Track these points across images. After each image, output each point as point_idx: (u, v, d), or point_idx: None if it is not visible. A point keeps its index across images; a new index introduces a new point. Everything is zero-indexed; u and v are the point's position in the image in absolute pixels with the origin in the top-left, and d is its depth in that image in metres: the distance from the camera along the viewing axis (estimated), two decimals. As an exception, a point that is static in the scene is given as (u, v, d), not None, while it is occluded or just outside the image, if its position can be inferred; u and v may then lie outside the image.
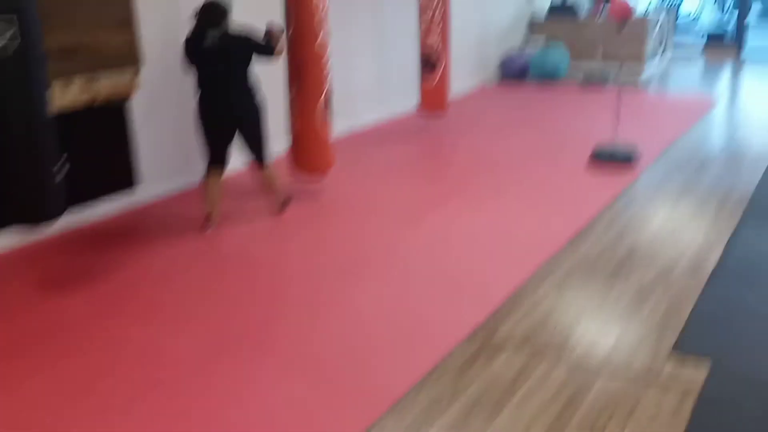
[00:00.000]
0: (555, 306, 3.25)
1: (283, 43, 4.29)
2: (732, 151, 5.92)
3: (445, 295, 3.40)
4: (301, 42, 4.49)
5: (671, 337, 2.92)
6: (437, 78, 6.50)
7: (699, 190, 4.83)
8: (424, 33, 6.39)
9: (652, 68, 9.82)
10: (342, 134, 6.41)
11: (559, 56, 9.02)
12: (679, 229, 4.15)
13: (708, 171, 5.25)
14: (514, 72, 9.13)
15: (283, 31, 4.32)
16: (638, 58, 9.53)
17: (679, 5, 14.78)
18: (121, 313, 3.30)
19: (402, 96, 7.33)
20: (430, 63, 6.43)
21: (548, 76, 8.95)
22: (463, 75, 8.46)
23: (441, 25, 6.37)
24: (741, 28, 11.12)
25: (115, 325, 3.18)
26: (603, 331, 3.03)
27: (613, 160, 5.31)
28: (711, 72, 10.14)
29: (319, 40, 4.49)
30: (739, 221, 4.18)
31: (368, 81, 6.95)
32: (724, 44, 11.17)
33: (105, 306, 3.37)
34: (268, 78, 4.81)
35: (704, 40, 11.56)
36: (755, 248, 3.81)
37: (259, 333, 3.07)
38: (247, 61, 4.18)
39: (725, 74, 9.93)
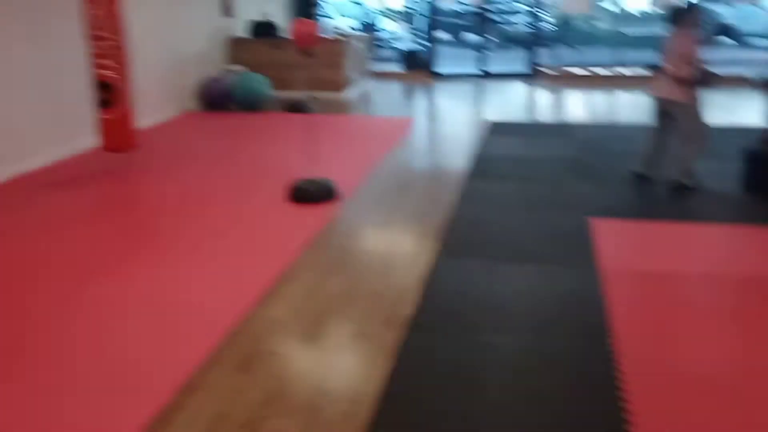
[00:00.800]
0: (237, 396, 2.75)
1: None
2: (431, 174, 5.99)
3: (104, 390, 2.72)
4: None
5: (365, 414, 2.59)
6: (119, 110, 5.70)
7: (400, 222, 4.71)
8: (98, 59, 5.55)
9: (352, 92, 9.93)
10: (4, 180, 5.35)
11: (261, 82, 8.68)
12: (379, 272, 3.91)
13: (409, 198, 5.19)
14: (215, 99, 8.58)
15: None
16: (338, 81, 9.59)
17: (377, 27, 15.45)
18: None
19: (79, 132, 6.39)
20: (108, 93, 5.60)
21: (250, 103, 8.55)
22: (155, 105, 7.71)
23: (118, 50, 5.59)
24: (433, 50, 11.83)
25: None
26: (290, 412, 2.61)
27: (311, 196, 5.00)
28: (408, 93, 10.57)
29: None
30: (438, 255, 4.08)
31: (35, 117, 5.92)
32: (420, 65, 11.78)
33: None
34: None
35: (402, 61, 12.10)
36: (453, 287, 3.69)
37: None
38: None
39: (422, 95, 10.40)
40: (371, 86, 10.78)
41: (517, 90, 10.64)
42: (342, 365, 2.95)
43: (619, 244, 4.22)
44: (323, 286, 3.71)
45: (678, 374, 2.80)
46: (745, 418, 2.51)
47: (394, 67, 12.11)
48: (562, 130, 7.50)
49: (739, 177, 5.30)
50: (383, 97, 10.14)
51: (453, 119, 8.61)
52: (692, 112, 5.10)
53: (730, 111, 8.18)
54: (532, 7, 12.21)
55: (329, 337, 3.18)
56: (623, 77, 10.94)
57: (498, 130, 7.55)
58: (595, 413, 2.55)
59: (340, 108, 8.99)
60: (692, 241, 4.29)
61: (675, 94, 5.08)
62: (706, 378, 2.77)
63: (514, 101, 9.88)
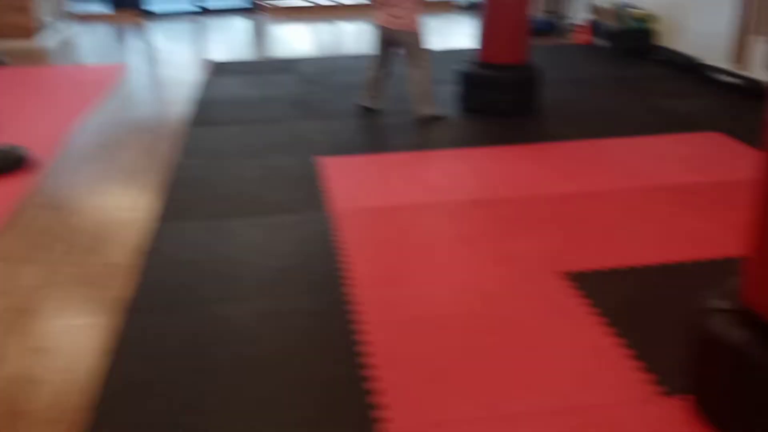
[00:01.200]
0: None
1: None
2: (147, 126, 5.34)
3: None
4: None
5: (78, 425, 2.15)
6: None
7: (112, 186, 4.13)
8: None
9: (47, 38, 8.66)
10: None
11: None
12: (86, 250, 3.35)
13: (122, 156, 4.57)
14: None
15: None
16: (27, 26, 8.28)
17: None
18: None
19: None
20: None
21: None
22: None
23: None
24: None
25: None
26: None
27: (-3, 167, 4.19)
28: (118, 36, 9.52)
29: None
30: (158, 220, 3.61)
31: None
32: (129, 3, 10.64)
33: None
34: None
35: (107, 0, 10.83)
36: (176, 255, 3.27)
37: None
38: None
39: (134, 37, 9.43)
40: (73, 30, 9.51)
41: (239, 26, 10.10)
42: (46, 374, 2.44)
43: (351, 182, 4.09)
44: (16, 277, 3.08)
45: (417, 315, 2.72)
46: (484, 351, 2.50)
47: (100, 8, 10.82)
48: (286, 66, 7.20)
49: (456, 99, 5.46)
50: (89, 43, 8.99)
51: (171, 62, 7.88)
52: (420, 39, 5.07)
53: (442, 35, 8.49)
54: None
55: (26, 342, 2.63)
56: (344, 7, 10.90)
57: (221, 70, 7.05)
58: (338, 375, 2.37)
59: (33, 58, 7.78)
60: (420, 170, 4.29)
61: (404, 23, 5.00)
62: (442, 314, 2.73)
63: (236, 38, 9.35)
